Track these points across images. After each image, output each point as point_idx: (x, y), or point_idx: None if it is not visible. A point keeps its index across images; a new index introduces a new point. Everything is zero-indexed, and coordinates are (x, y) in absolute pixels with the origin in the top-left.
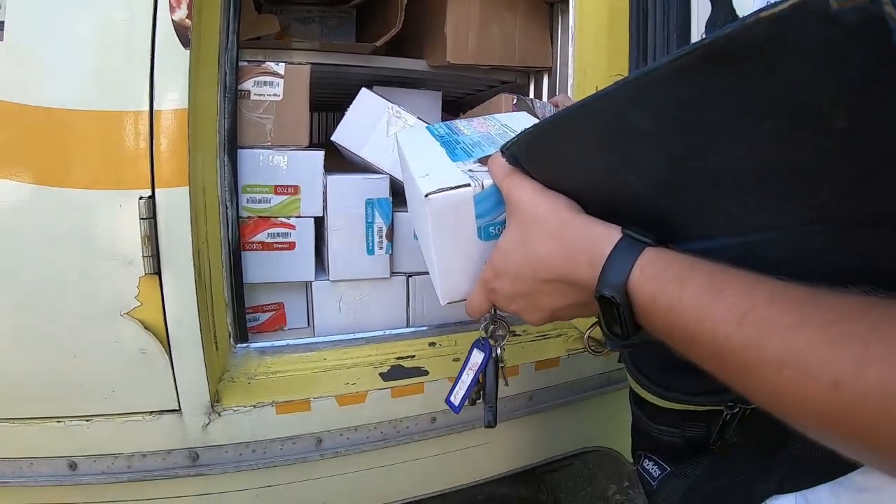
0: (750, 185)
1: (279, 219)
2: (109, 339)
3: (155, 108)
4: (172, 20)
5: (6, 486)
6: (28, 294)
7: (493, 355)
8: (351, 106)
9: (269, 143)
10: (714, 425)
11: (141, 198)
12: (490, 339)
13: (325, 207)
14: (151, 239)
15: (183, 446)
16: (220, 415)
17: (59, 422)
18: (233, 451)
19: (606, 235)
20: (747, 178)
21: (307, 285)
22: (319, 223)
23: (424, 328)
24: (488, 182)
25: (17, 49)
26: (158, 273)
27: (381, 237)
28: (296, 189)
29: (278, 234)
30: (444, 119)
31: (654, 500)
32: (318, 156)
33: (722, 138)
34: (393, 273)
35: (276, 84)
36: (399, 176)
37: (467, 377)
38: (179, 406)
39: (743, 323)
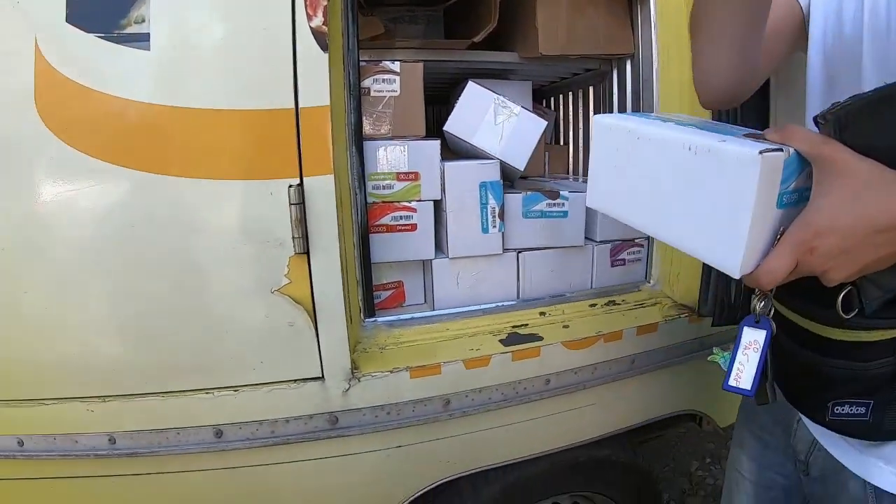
0: None
1: (402, 203)
2: (260, 314)
3: (300, 105)
4: (310, 27)
5: (154, 455)
6: (185, 274)
7: (773, 329)
8: (460, 98)
9: (390, 135)
10: None
11: (290, 186)
12: (767, 316)
13: (443, 191)
14: (301, 222)
15: (324, 410)
16: (359, 380)
17: (207, 393)
18: (369, 414)
19: None
20: None
21: (425, 264)
22: (437, 206)
23: (534, 299)
24: (792, 150)
25: (164, 57)
26: (307, 253)
27: (494, 217)
28: (416, 175)
29: (401, 217)
30: (534, 106)
31: (877, 429)
32: (435, 144)
33: None
34: (505, 250)
35: (393, 81)
36: (511, 161)
37: (746, 357)
38: (323, 374)
39: None
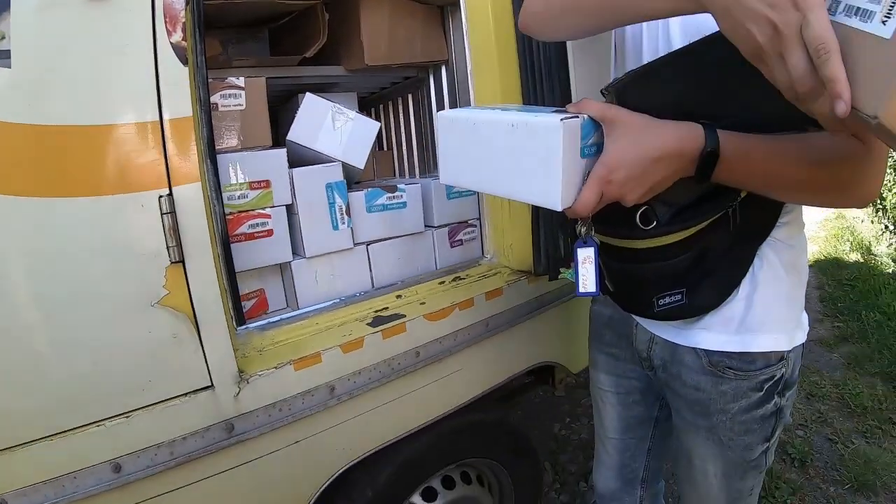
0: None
1: (256, 210)
2: (143, 331)
3: (165, 117)
4: (171, 42)
5: None
6: (58, 301)
7: (597, 243)
8: (300, 108)
9: (239, 147)
10: (713, 233)
11: (161, 196)
12: (592, 236)
13: (293, 195)
14: (174, 230)
15: (219, 419)
16: (248, 381)
17: (99, 425)
18: (263, 414)
19: (694, 125)
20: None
21: (283, 268)
22: (289, 210)
23: (388, 286)
24: (586, 116)
25: (26, 74)
26: (182, 261)
27: (342, 214)
28: (267, 183)
29: (258, 224)
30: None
31: (692, 307)
32: (282, 153)
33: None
34: (355, 244)
35: (239, 95)
36: (352, 161)
37: (585, 269)
38: (212, 381)
39: (775, 153)
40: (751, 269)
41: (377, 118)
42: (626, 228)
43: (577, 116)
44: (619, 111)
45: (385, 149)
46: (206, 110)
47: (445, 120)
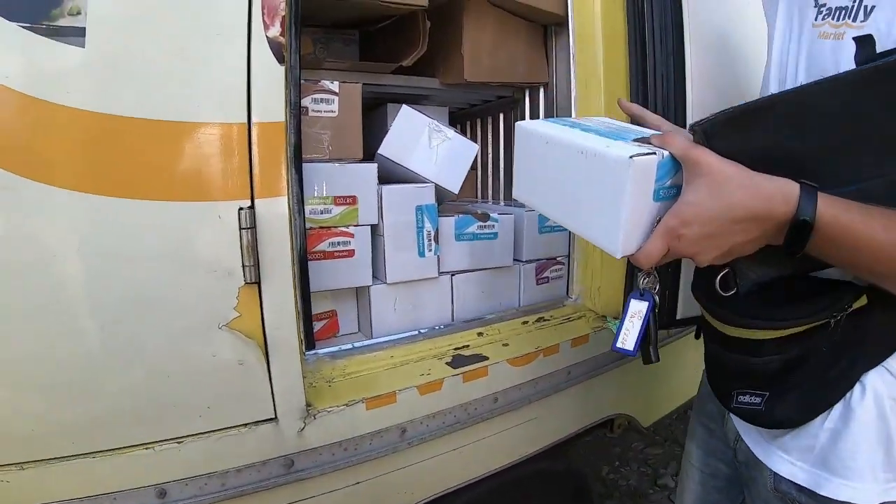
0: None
1: (339, 228)
2: (206, 353)
3: (254, 120)
4: (267, 36)
5: None
6: (117, 311)
7: (656, 301)
8: (395, 121)
9: (328, 157)
10: (810, 341)
11: (241, 208)
12: (651, 290)
13: (380, 215)
14: (253, 248)
15: (279, 454)
16: (314, 417)
17: (147, 448)
18: (326, 453)
19: (790, 183)
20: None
21: (359, 291)
22: (373, 230)
23: (470, 321)
24: (666, 153)
25: (107, 58)
26: (258, 282)
27: (430, 240)
28: (354, 199)
29: (339, 243)
30: None
31: (769, 418)
32: (373, 168)
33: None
34: (440, 273)
35: (331, 101)
36: (445, 185)
37: (632, 324)
38: (276, 414)
39: (888, 231)
40: (846, 397)
41: (464, 135)
42: (720, 308)
43: (655, 153)
44: (704, 153)
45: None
46: (295, 114)
47: (522, 131)
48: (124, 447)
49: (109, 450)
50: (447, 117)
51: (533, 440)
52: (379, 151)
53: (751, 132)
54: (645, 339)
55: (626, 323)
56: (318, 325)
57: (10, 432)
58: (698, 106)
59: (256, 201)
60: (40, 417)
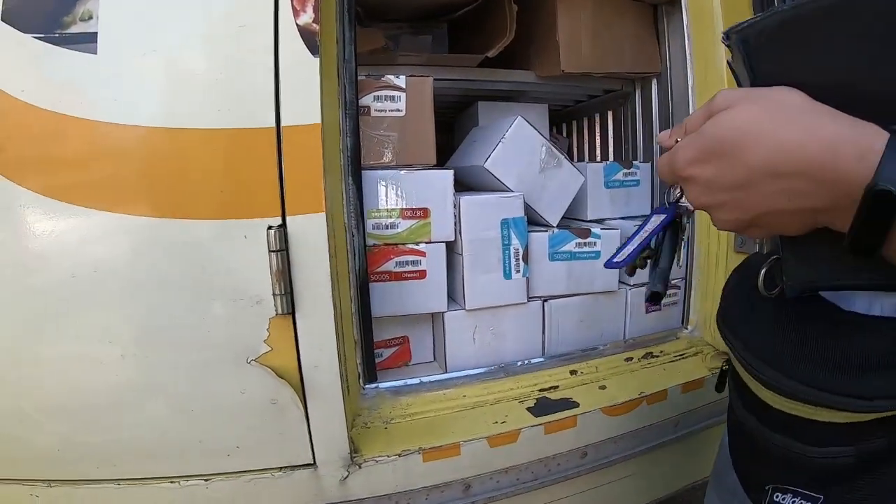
0: None
1: (408, 245)
2: (234, 389)
3: (283, 123)
4: (297, 25)
5: None
6: (140, 341)
7: (677, 219)
8: (508, 133)
9: (394, 163)
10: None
11: (270, 227)
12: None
13: (457, 230)
14: (284, 274)
15: (317, 502)
16: (360, 466)
17: (172, 482)
18: None
19: (874, 130)
20: None
21: (434, 316)
22: (450, 248)
23: (563, 355)
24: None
25: (115, 63)
26: (293, 313)
27: (517, 259)
28: (425, 212)
29: (408, 263)
30: (550, 132)
31: None
32: (448, 175)
33: None
34: (529, 298)
35: (397, 98)
36: (546, 216)
37: (640, 239)
38: (314, 460)
39: None
40: None
41: (567, 135)
42: (741, 334)
43: None
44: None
45: None
46: (352, 115)
47: None
48: (148, 478)
49: (133, 479)
50: (547, 116)
51: (629, 499)
52: (485, 165)
53: (813, 49)
54: (653, 263)
55: (636, 238)
56: (386, 353)
57: (38, 449)
58: None
59: (288, 219)
60: (66, 439)
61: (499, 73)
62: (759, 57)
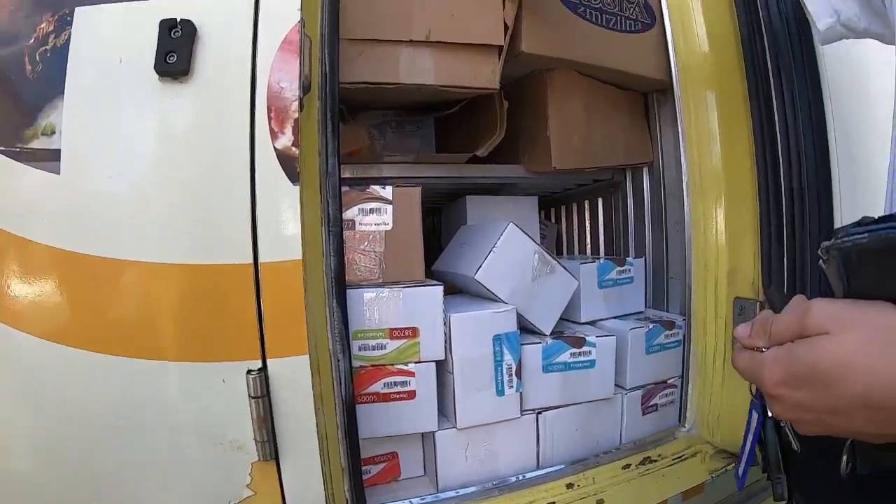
0: None
1: (397, 366)
2: None
3: (261, 259)
4: (275, 149)
5: None
6: (117, 484)
7: (770, 414)
8: (499, 243)
9: (380, 280)
10: None
11: (250, 371)
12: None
13: (447, 349)
14: (266, 421)
15: None
16: None
17: None
18: None
19: None
20: None
21: (425, 435)
22: (440, 365)
23: (558, 468)
24: None
25: (79, 184)
26: (276, 459)
27: (510, 375)
28: (414, 331)
29: (396, 384)
30: (541, 222)
31: None
32: (438, 292)
33: None
34: (523, 412)
35: (384, 211)
36: (538, 324)
37: (748, 443)
38: None
39: None
40: None
41: (556, 222)
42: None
43: None
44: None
45: (563, 255)
46: (335, 233)
47: None
48: None
49: None
50: (537, 208)
51: None
52: (476, 277)
53: None
54: (766, 462)
55: (746, 443)
56: (374, 469)
57: None
58: (848, 195)
59: (269, 362)
60: None
61: (488, 168)
62: (858, 273)
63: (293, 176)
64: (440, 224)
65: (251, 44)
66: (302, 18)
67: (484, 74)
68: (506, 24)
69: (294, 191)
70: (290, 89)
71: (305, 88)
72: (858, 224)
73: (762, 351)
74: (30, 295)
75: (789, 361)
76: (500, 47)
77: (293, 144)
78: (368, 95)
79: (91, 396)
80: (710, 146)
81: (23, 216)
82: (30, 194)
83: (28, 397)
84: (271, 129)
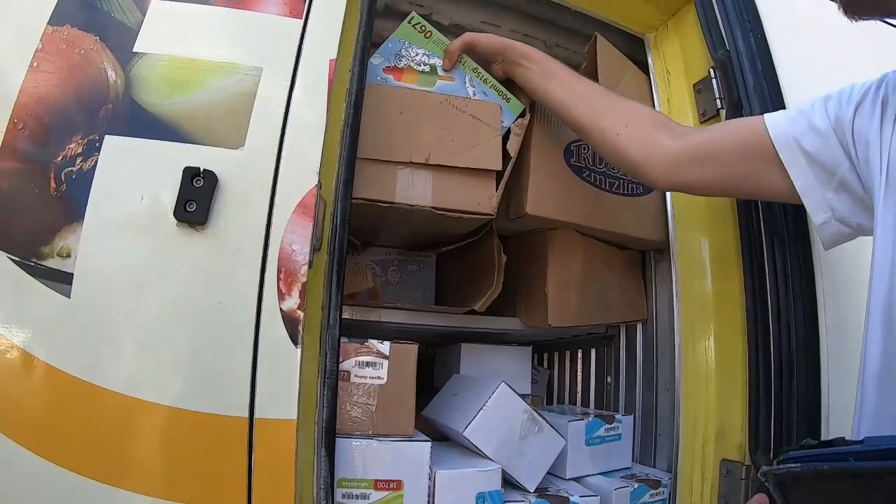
0: None
1: None
2: None
3: (256, 415)
4: (281, 310)
5: None
6: None
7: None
8: (490, 401)
9: (371, 432)
10: None
11: None
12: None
13: (431, 503)
14: None
15: None
16: None
17: None
18: None
19: None
20: None
21: None
22: None
23: None
24: None
25: (87, 313)
26: None
27: None
28: (398, 484)
29: None
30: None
31: None
32: (425, 448)
33: None
34: None
35: (380, 366)
36: (523, 482)
37: None
38: None
39: None
40: None
41: (548, 366)
42: None
43: None
44: None
45: (555, 402)
46: (331, 385)
47: None
48: None
49: None
50: (530, 359)
51: None
52: (464, 433)
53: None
54: None
55: None
56: None
57: None
58: (837, 371)
59: None
60: None
61: (485, 319)
62: (793, 497)
63: (295, 338)
64: (433, 360)
65: (268, 203)
66: (319, 181)
67: (481, 200)
68: (509, 154)
69: (296, 353)
70: (301, 252)
71: (315, 248)
72: (801, 447)
73: None
74: (21, 406)
75: None
76: (499, 174)
77: (299, 308)
78: (365, 221)
79: None
80: (704, 309)
81: (27, 330)
82: (38, 311)
83: None
84: (279, 290)
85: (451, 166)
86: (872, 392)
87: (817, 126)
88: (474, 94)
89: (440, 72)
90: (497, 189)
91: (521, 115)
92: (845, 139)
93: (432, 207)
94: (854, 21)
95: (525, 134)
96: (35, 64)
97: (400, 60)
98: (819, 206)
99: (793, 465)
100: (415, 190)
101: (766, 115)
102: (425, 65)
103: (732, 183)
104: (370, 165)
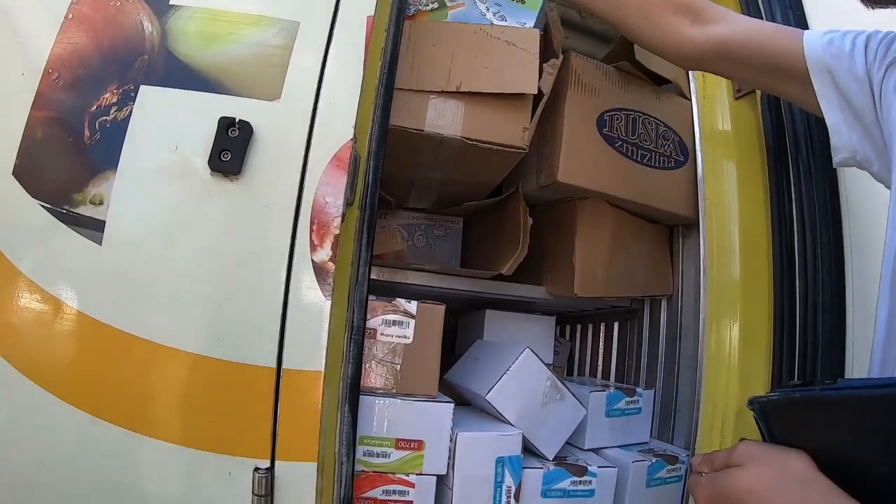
0: None
1: (398, 475)
2: None
3: (284, 366)
4: (313, 261)
5: None
6: None
7: None
8: (514, 366)
9: (394, 391)
10: None
11: (257, 469)
12: None
13: (450, 465)
14: None
15: None
16: None
17: None
18: None
19: None
20: None
21: None
22: (440, 481)
23: None
24: None
25: (118, 259)
26: None
27: (509, 497)
28: (420, 444)
29: (395, 492)
30: (555, 339)
31: None
32: (448, 409)
33: None
34: None
35: (406, 325)
36: (542, 449)
37: None
38: None
39: None
40: None
41: (570, 338)
42: None
43: None
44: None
45: (575, 374)
46: (357, 341)
47: None
48: None
49: None
50: (553, 330)
51: None
52: (486, 396)
53: (814, 428)
54: None
55: None
56: None
57: None
58: (862, 357)
59: (277, 463)
60: None
61: (510, 286)
62: (774, 424)
63: (327, 290)
64: (455, 329)
65: (303, 156)
66: (355, 135)
67: (514, 132)
68: (541, 91)
69: (326, 304)
70: (335, 205)
71: (348, 202)
72: (785, 387)
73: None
74: (50, 352)
75: (713, 484)
76: (532, 105)
77: (331, 259)
78: (396, 164)
79: (95, 464)
80: (731, 288)
81: (58, 277)
82: (68, 258)
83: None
84: (311, 242)
85: (484, 93)
86: (878, 356)
87: (856, 72)
88: (487, 10)
89: (448, 2)
90: (531, 120)
91: (555, 56)
92: (875, 91)
93: (462, 137)
94: (871, 9)
95: (558, 102)
96: (70, 15)
97: (409, 8)
98: (843, 146)
99: (773, 394)
100: (445, 119)
101: (804, 35)
102: (433, 2)
103: (758, 82)
104: (401, 94)
